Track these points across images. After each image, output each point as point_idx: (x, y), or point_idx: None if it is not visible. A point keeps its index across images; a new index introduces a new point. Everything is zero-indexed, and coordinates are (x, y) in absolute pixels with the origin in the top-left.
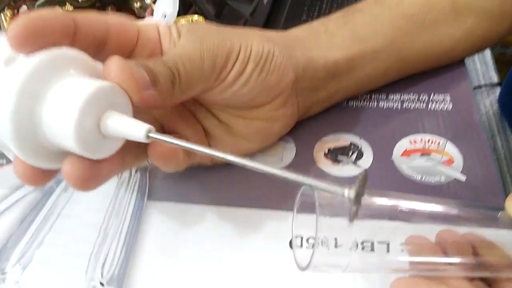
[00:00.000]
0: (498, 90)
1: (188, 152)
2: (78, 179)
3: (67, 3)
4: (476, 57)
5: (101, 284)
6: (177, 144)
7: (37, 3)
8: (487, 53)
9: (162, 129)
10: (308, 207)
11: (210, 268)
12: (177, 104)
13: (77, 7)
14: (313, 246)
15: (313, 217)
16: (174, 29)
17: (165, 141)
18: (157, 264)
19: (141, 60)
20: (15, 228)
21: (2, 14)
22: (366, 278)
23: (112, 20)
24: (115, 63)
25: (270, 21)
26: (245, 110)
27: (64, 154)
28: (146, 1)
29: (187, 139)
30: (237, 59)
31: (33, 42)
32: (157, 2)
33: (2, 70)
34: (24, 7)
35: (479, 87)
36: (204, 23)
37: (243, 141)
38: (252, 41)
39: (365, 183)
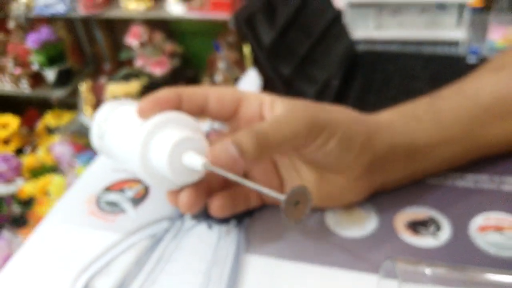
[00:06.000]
0: None
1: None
2: (187, 203)
3: (141, 77)
4: None
5: None
6: (227, 176)
7: (115, 76)
8: None
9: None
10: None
11: None
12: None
13: (152, 82)
14: None
15: None
16: (277, 100)
17: (217, 171)
18: None
19: (236, 135)
20: (130, 269)
21: (84, 85)
22: None
23: (211, 91)
24: (219, 149)
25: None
26: (321, 172)
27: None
28: (215, 79)
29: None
30: (323, 131)
31: (154, 111)
32: (240, 83)
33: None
34: (102, 80)
35: None
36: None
37: (315, 199)
38: (343, 119)
39: (302, 195)
